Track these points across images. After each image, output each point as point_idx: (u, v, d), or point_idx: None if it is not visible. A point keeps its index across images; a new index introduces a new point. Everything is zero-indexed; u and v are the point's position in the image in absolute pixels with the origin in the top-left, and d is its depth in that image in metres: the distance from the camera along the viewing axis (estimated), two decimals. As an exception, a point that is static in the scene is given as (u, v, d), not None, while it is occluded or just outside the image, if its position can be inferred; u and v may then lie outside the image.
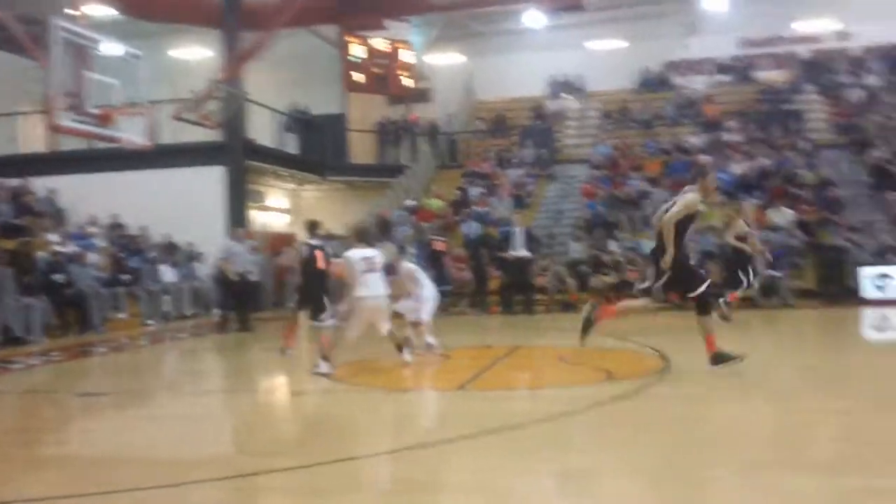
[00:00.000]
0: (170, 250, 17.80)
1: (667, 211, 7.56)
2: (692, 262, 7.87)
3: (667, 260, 7.40)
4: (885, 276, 15.46)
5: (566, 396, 7.09)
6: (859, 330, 13.25)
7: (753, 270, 12.66)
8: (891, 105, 22.31)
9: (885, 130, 20.85)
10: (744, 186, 18.88)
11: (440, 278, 14.17)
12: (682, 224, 7.46)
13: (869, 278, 15.59)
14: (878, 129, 20.96)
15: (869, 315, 14.13)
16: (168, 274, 16.98)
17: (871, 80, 23.46)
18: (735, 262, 12.69)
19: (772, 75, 24.92)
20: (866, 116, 21.78)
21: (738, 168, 19.63)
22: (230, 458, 5.55)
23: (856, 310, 14.75)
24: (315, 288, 10.20)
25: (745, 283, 12.50)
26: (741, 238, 12.57)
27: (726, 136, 21.79)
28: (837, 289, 15.80)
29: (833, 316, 14.61)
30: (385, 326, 8.49)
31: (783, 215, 17.26)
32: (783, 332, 13.05)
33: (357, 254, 8.36)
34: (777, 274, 15.65)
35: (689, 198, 7.53)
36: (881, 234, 17.06)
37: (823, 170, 19.50)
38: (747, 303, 15.59)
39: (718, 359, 7.50)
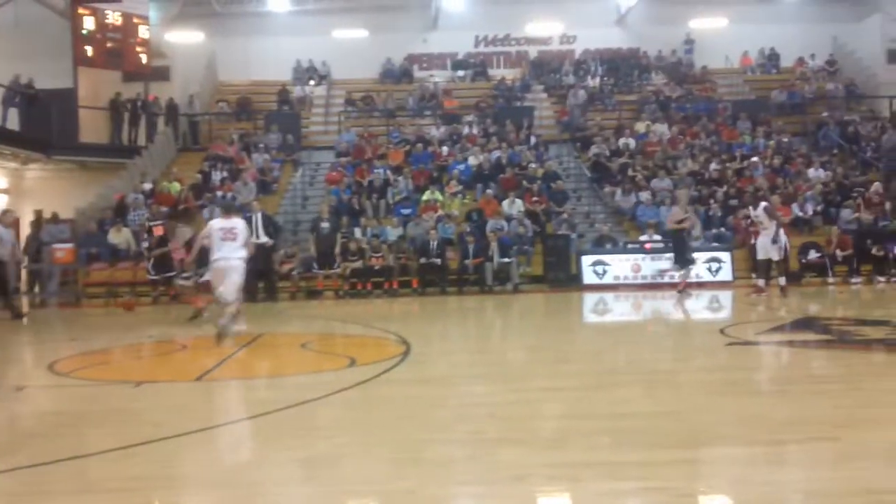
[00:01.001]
0: None
1: None
2: None
3: None
4: (601, 263, 16.99)
5: (309, 383, 7.12)
6: (581, 313, 14.44)
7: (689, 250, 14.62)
8: (608, 105, 24.55)
9: (602, 128, 22.92)
10: (480, 177, 19.94)
11: (163, 264, 13.67)
12: None
13: (589, 265, 17.06)
14: (597, 128, 22.99)
15: (589, 299, 15.45)
16: None
17: (592, 81, 25.65)
18: (680, 244, 14.45)
19: (504, 73, 26.50)
20: (587, 115, 23.79)
21: (475, 160, 20.66)
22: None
23: (578, 294, 16.11)
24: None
25: (692, 262, 14.60)
26: (680, 222, 14.37)
27: (464, 129, 22.84)
28: (562, 275, 17.16)
29: (558, 300, 15.83)
30: (221, 290, 9.32)
31: (514, 205, 18.42)
32: (514, 315, 13.94)
33: (217, 223, 9.58)
34: (508, 260, 16.72)
35: None
36: (599, 225, 18.75)
37: (550, 163, 21.05)
38: (482, 289, 16.55)
39: None
